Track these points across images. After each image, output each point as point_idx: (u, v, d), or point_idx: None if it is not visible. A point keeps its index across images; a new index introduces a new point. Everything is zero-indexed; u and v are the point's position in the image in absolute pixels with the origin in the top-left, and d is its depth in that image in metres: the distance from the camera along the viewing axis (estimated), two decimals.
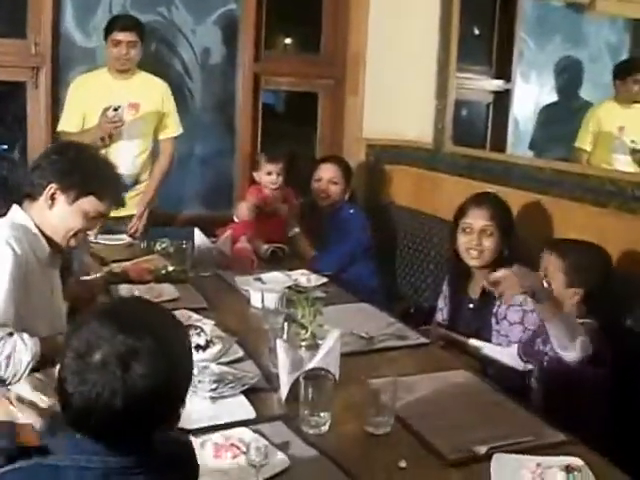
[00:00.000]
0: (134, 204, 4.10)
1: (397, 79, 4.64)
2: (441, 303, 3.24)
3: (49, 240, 2.32)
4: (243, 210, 3.93)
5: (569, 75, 5.44)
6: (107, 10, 4.41)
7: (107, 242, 3.73)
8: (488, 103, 5.18)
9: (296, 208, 4.09)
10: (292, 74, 4.85)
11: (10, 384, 2.10)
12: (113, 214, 2.52)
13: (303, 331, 2.33)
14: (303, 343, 2.30)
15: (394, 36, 4.65)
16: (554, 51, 5.42)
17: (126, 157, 4.02)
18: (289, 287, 3.18)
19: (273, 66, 4.78)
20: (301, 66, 4.87)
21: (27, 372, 2.11)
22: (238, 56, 4.70)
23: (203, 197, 4.61)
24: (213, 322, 2.68)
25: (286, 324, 2.36)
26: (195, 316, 2.75)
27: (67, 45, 4.40)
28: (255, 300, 2.98)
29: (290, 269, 3.52)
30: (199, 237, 3.61)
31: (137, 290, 3.06)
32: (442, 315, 3.21)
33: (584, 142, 4.60)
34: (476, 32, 5.15)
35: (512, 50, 5.13)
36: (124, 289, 3.09)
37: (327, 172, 4.02)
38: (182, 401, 1.37)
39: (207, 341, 2.41)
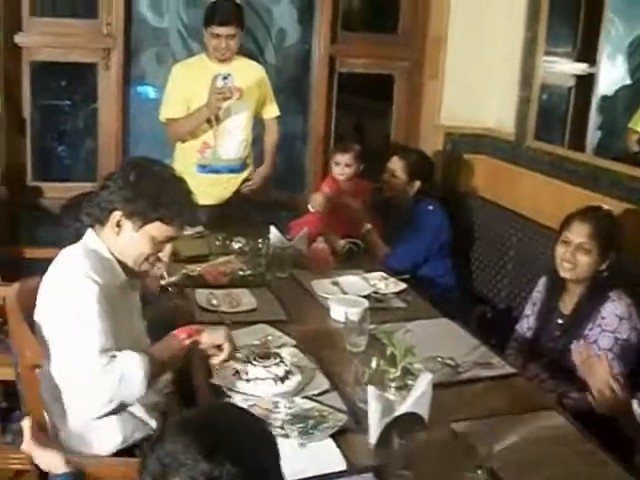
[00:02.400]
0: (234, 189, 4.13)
1: (479, 63, 4.48)
2: (529, 310, 3.15)
3: (123, 265, 2.29)
4: (317, 201, 3.87)
5: None
6: None
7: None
8: (569, 87, 4.97)
9: (368, 202, 4.00)
10: (368, 55, 4.72)
11: (129, 406, 2.14)
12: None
13: (393, 370, 2.26)
14: (392, 384, 2.24)
15: (477, 16, 4.48)
16: None
17: (234, 141, 4.04)
18: (368, 296, 3.12)
19: (349, 47, 4.67)
20: (377, 47, 4.74)
21: (144, 390, 2.12)
22: (313, 37, 4.60)
23: (276, 180, 4.55)
24: (294, 342, 2.64)
25: (374, 361, 2.28)
26: (275, 332, 2.72)
27: (139, 25, 4.40)
28: (336, 313, 2.92)
29: (367, 270, 3.46)
30: (275, 235, 3.57)
31: (213, 296, 3.03)
32: (527, 323, 3.12)
33: (637, 123, 4.42)
34: (561, 10, 4.91)
35: (599, 31, 4.89)
36: (200, 294, 3.06)
37: (390, 164, 3.96)
38: None
39: (286, 372, 2.35)
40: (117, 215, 2.23)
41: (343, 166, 3.97)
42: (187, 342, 2.25)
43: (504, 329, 3.36)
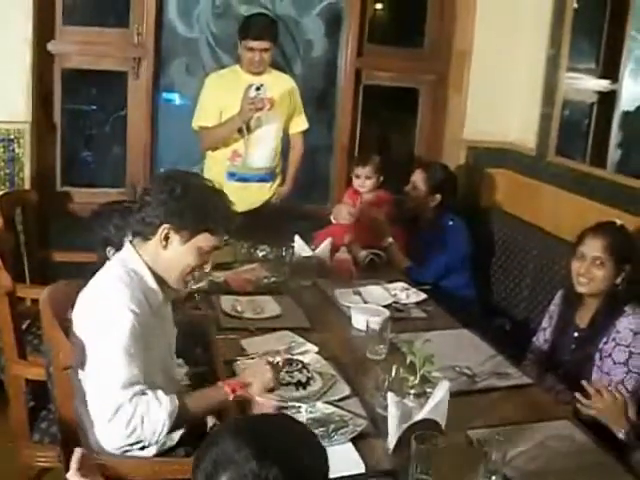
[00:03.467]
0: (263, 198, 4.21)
1: (502, 78, 4.55)
2: (545, 323, 3.18)
3: (161, 280, 2.31)
4: (342, 213, 3.93)
5: None
6: (210, 0, 4.42)
7: None
8: (591, 103, 5.00)
9: (390, 214, 4.05)
10: (393, 69, 4.78)
11: (149, 445, 2.14)
12: None
13: (412, 377, 2.32)
14: (411, 390, 2.30)
15: (502, 32, 4.53)
16: None
17: (265, 151, 4.12)
18: (389, 305, 3.19)
19: (375, 60, 4.72)
20: (403, 61, 4.79)
21: (166, 430, 2.14)
22: (340, 50, 4.67)
23: (300, 190, 4.60)
24: (316, 349, 2.70)
25: (394, 368, 2.34)
26: (298, 339, 2.78)
27: (169, 35, 4.47)
28: (357, 322, 2.99)
29: (389, 281, 3.52)
30: (299, 244, 3.63)
31: (238, 302, 3.09)
32: (544, 336, 3.16)
33: None
34: (585, 27, 4.95)
35: (622, 48, 4.93)
36: (225, 300, 3.12)
37: (413, 176, 4.04)
38: None
39: (308, 378, 2.42)
40: (165, 228, 2.24)
41: (364, 179, 4.04)
42: (231, 398, 2.27)
43: (521, 341, 3.40)
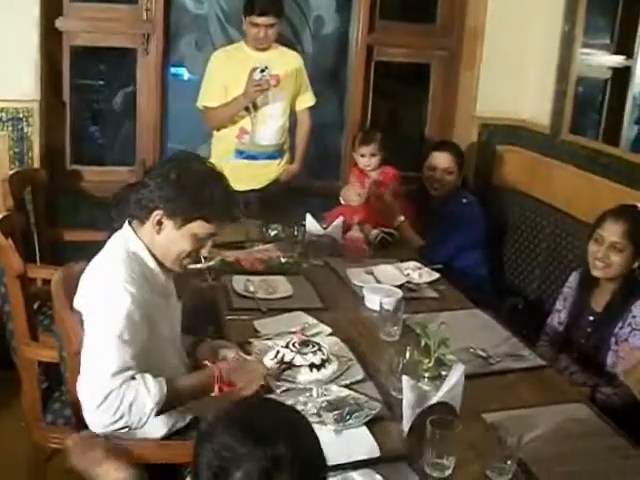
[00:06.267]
0: (272, 175, 4.18)
1: (515, 54, 4.48)
2: (560, 305, 3.16)
3: (160, 262, 2.30)
4: (351, 195, 3.90)
5: None
6: None
7: None
8: (605, 80, 4.94)
9: (398, 190, 4.00)
10: (405, 45, 4.72)
11: (135, 429, 2.13)
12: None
13: (426, 360, 2.30)
14: (426, 374, 2.28)
15: (515, 7, 4.46)
16: None
17: (272, 127, 4.08)
18: (401, 285, 3.16)
19: (386, 36, 4.65)
20: (415, 37, 4.73)
21: (152, 416, 2.13)
22: (351, 26, 4.61)
23: (310, 167, 4.57)
24: (330, 330, 2.69)
25: (408, 351, 2.32)
26: (312, 320, 2.77)
27: (178, 11, 4.42)
28: (370, 302, 2.97)
29: (401, 259, 3.49)
30: (311, 223, 3.61)
31: (250, 282, 3.07)
32: (559, 318, 3.14)
33: None
34: (600, 2, 4.87)
35: (637, 23, 4.85)
36: (237, 280, 3.11)
37: (442, 161, 3.93)
38: None
39: (323, 360, 2.40)
40: (158, 214, 2.22)
41: (369, 157, 3.98)
42: (217, 394, 2.25)
43: (535, 321, 3.39)
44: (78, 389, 2.13)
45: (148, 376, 2.14)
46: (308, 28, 4.59)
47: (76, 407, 2.22)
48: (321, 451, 1.37)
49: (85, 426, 2.15)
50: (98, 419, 2.09)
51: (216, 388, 2.25)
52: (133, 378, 2.11)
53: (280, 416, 1.39)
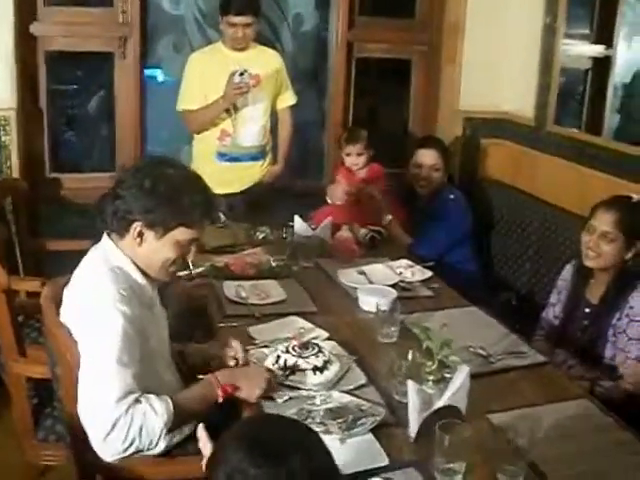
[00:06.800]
0: (256, 177, 4.13)
1: (497, 47, 4.46)
2: (554, 298, 3.13)
3: (146, 273, 2.23)
4: (337, 194, 3.86)
5: None
6: None
7: None
8: (586, 70, 4.93)
9: (386, 188, 3.96)
10: (385, 40, 4.69)
11: (148, 451, 2.07)
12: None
13: (429, 362, 2.26)
14: (430, 377, 2.24)
15: (494, 1, 4.44)
16: None
17: (253, 129, 4.03)
18: (395, 284, 3.12)
19: (366, 33, 4.62)
20: (395, 32, 4.70)
21: (163, 437, 2.07)
22: (331, 23, 4.57)
23: (293, 167, 4.52)
24: (326, 334, 2.64)
25: (410, 353, 2.28)
26: (307, 325, 2.72)
27: (155, 13, 4.37)
28: (365, 303, 2.93)
29: (392, 258, 3.45)
30: (299, 224, 3.56)
31: (241, 288, 3.01)
32: (554, 312, 3.10)
33: None
34: None
35: (615, 12, 4.84)
36: (228, 286, 3.04)
37: (429, 158, 3.90)
38: None
39: (325, 362, 2.35)
40: (137, 226, 2.14)
41: (355, 156, 3.93)
42: (221, 399, 2.20)
43: (528, 315, 3.36)
44: (82, 419, 2.05)
45: (152, 397, 2.08)
46: (287, 26, 4.54)
47: (71, 425, 2.15)
48: (333, 461, 1.36)
49: (83, 447, 2.09)
50: (109, 448, 2.03)
51: (219, 392, 2.19)
52: (138, 401, 2.05)
53: (288, 431, 1.38)
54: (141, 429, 2.02)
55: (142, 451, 2.06)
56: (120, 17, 4.20)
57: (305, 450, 1.31)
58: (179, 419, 2.12)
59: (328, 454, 1.36)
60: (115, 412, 2.00)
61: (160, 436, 2.06)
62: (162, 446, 2.09)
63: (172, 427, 2.09)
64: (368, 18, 4.62)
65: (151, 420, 2.04)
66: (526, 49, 4.32)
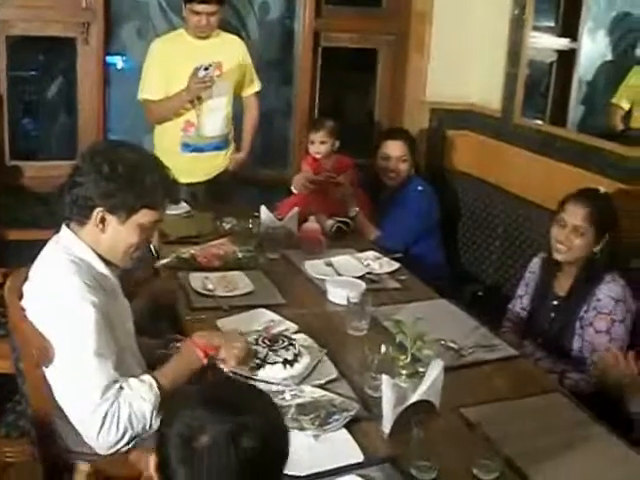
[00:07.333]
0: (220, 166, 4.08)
1: (464, 38, 4.44)
2: (521, 290, 3.13)
3: (108, 262, 2.18)
4: (299, 183, 3.83)
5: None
6: None
7: (168, 212, 3.62)
8: (551, 62, 4.94)
9: (354, 180, 3.92)
10: (352, 30, 4.65)
11: (143, 436, 2.05)
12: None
13: (402, 356, 2.24)
14: (403, 371, 2.21)
15: None
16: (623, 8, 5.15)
17: (217, 118, 3.98)
18: (362, 276, 3.10)
19: (333, 22, 4.58)
20: (362, 21, 4.67)
21: (155, 418, 2.04)
22: (297, 11, 4.52)
23: (258, 155, 4.48)
24: (296, 327, 2.60)
25: (383, 347, 2.25)
26: (276, 317, 2.68)
27: None
28: (334, 296, 2.89)
29: (359, 249, 3.43)
30: (265, 214, 3.51)
31: (209, 280, 2.96)
32: (521, 304, 3.11)
33: (621, 98, 4.52)
34: None
35: (581, 5, 4.87)
36: (195, 278, 2.98)
37: (396, 149, 3.87)
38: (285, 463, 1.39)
39: (295, 355, 2.32)
40: (99, 212, 2.09)
41: (318, 144, 3.88)
42: (205, 361, 2.19)
43: (495, 307, 3.36)
44: (71, 419, 2.03)
45: (135, 382, 2.06)
46: (253, 14, 4.49)
47: (36, 421, 2.10)
48: (285, 426, 1.43)
49: (49, 442, 2.04)
50: (103, 442, 2.01)
51: (201, 355, 2.19)
52: (122, 388, 2.02)
53: (246, 391, 1.47)
54: (130, 417, 2.01)
55: (139, 436, 2.04)
56: (83, 2, 4.12)
57: (259, 408, 1.37)
58: (164, 396, 2.08)
59: (280, 415, 1.45)
60: (102, 407, 1.98)
61: (151, 419, 2.04)
62: (156, 426, 2.04)
63: (162, 402, 2.07)
64: (335, 7, 4.58)
65: (138, 406, 2.02)
66: (494, 40, 4.29)
